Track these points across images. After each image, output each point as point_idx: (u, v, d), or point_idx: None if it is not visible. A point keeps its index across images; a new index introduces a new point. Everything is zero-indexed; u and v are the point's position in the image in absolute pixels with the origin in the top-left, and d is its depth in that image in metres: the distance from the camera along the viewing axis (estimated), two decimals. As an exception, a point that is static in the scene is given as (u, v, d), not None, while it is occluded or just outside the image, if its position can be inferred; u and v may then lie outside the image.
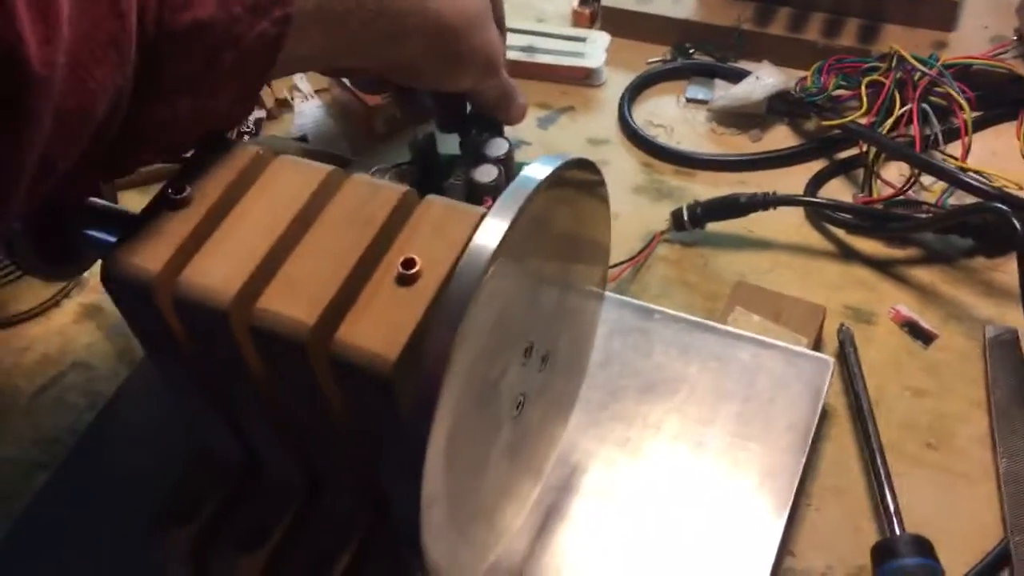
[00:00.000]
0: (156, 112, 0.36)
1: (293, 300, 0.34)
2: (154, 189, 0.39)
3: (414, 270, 0.34)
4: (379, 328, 0.33)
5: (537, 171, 0.34)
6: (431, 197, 0.37)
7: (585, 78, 0.75)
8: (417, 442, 0.31)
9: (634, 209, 0.65)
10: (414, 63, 0.48)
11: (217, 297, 0.35)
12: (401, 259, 0.34)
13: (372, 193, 0.37)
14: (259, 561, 0.42)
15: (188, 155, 0.40)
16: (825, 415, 0.53)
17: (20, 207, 0.32)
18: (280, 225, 0.36)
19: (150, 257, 0.36)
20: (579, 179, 0.39)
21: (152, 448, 0.53)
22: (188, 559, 0.44)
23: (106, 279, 0.37)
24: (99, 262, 0.44)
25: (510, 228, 0.32)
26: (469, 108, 0.58)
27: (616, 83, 0.75)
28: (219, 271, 0.35)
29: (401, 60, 0.48)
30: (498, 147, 0.58)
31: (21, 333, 0.62)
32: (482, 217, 0.33)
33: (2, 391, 0.59)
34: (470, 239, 0.33)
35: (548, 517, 0.47)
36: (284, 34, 0.38)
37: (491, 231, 0.32)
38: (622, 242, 0.61)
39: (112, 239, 0.39)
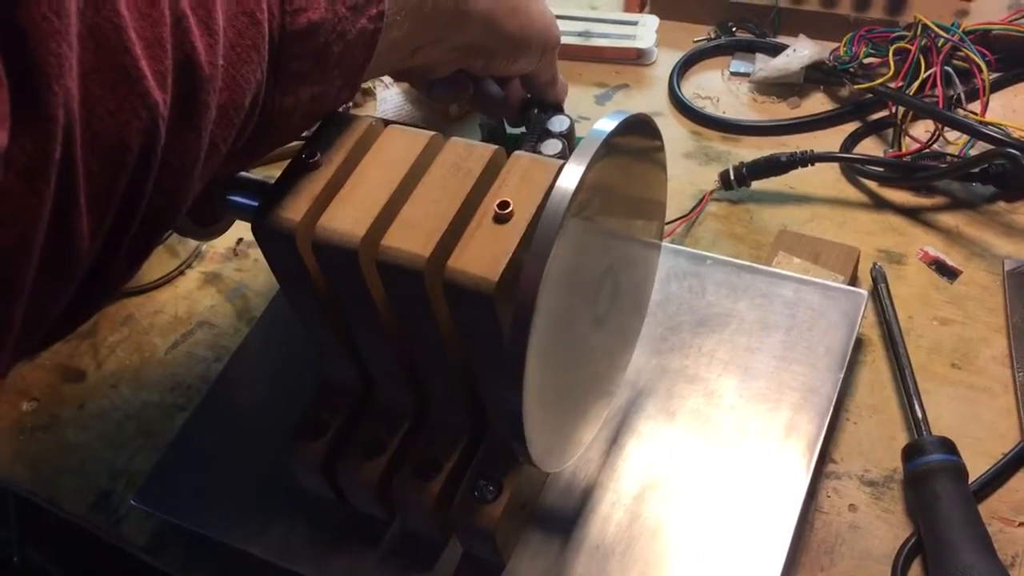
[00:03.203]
0: (284, 100, 0.42)
1: (411, 237, 0.42)
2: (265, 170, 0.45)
3: (508, 210, 0.41)
4: (482, 257, 0.40)
5: (604, 125, 0.41)
6: (518, 153, 0.44)
7: (637, 58, 0.82)
8: (520, 341, 0.38)
9: (685, 172, 0.71)
10: (484, 44, 0.54)
11: (348, 239, 0.42)
12: (497, 202, 0.42)
13: (468, 151, 0.45)
14: (378, 467, 0.50)
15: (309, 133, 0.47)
16: (860, 344, 0.59)
17: (198, 183, 0.39)
18: (395, 179, 0.44)
19: (292, 209, 0.44)
20: (641, 144, 0.46)
21: (274, 390, 0.61)
22: (319, 468, 0.51)
23: (257, 230, 0.45)
24: (232, 225, 0.52)
25: (586, 171, 0.38)
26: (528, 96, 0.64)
27: (665, 61, 0.81)
28: (348, 218, 0.43)
29: (471, 42, 0.53)
30: (560, 123, 0.65)
31: (153, 298, 0.70)
32: (562, 166, 0.40)
33: (141, 347, 0.67)
34: (553, 184, 0.40)
35: (618, 432, 0.55)
36: (379, 28, 0.44)
37: (571, 175, 0.38)
38: (675, 202, 0.68)
39: (252, 203, 0.47)
